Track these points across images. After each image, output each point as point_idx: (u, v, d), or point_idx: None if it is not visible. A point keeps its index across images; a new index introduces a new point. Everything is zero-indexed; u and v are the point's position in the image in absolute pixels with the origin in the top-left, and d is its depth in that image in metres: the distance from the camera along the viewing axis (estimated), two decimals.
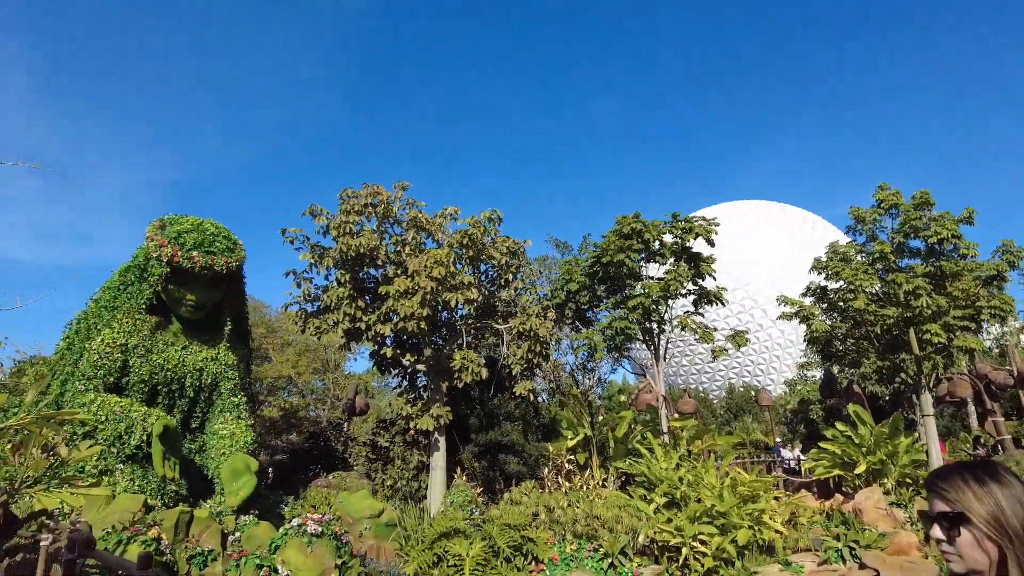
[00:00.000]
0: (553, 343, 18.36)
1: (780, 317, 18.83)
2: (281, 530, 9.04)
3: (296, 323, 14.94)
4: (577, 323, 16.06)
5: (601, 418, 16.05)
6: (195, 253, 10.72)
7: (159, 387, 11.06)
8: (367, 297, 14.09)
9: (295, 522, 9.02)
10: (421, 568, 9.97)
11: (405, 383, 15.60)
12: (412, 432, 14.78)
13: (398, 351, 13.88)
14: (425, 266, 12.97)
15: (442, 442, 13.57)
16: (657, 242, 15.53)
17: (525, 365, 13.77)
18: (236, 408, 11.72)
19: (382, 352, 14.45)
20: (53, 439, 5.60)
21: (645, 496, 12.90)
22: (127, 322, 11.07)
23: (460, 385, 12.80)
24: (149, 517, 9.04)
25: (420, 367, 14.23)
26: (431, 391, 13.95)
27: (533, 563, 10.59)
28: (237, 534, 9.53)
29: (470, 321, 14.40)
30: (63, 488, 5.30)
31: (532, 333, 13.53)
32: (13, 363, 15.92)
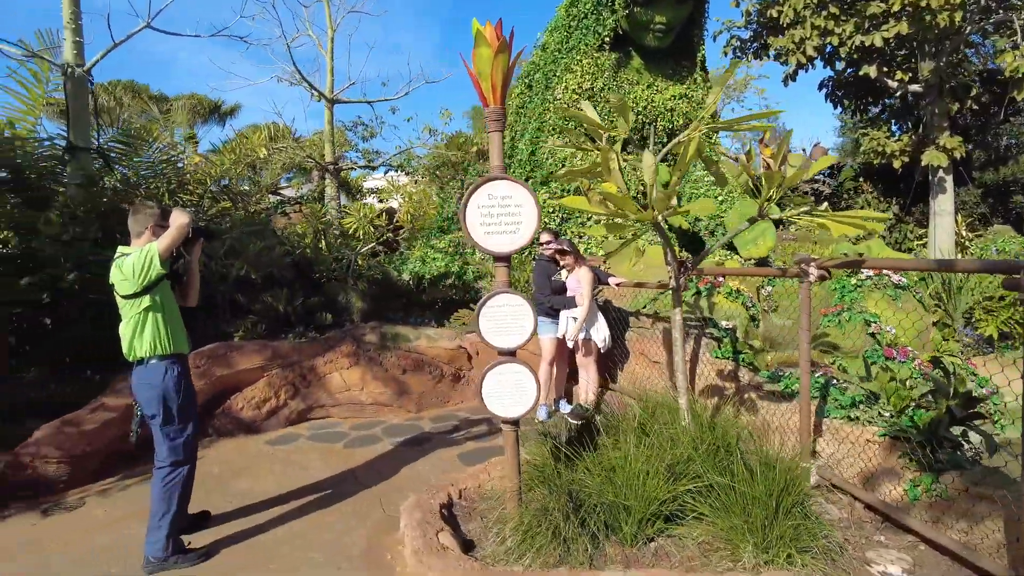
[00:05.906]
0: None
1: None
2: (852, 281, 7.56)
3: (726, 53, 12.52)
4: None
5: None
6: None
7: (631, 132, 9.94)
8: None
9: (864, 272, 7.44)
10: None
11: (875, 111, 12.45)
12: (894, 168, 12.00)
13: (883, 69, 10.64)
14: None
15: (949, 182, 10.59)
16: None
17: None
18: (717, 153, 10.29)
19: (858, 74, 11.36)
20: None
21: None
22: (587, 63, 9.84)
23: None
24: None
25: (915, 87, 10.88)
26: (932, 117, 10.68)
27: None
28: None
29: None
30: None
31: None
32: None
